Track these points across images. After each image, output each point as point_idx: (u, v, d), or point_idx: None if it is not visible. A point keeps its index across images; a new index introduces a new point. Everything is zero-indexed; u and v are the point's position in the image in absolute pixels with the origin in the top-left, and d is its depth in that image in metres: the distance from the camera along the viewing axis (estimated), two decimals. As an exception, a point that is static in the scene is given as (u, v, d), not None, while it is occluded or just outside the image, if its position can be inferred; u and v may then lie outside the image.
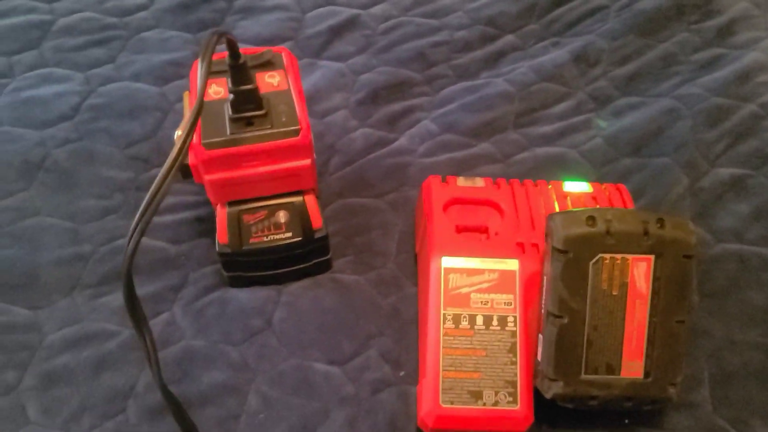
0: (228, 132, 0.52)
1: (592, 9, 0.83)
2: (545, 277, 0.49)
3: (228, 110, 0.53)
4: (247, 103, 0.52)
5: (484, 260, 0.52)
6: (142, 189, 0.66)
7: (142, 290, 0.58)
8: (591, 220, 0.46)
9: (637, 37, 0.79)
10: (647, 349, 0.47)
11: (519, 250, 0.53)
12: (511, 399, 0.49)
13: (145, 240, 0.61)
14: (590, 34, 0.80)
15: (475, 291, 0.52)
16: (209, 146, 0.51)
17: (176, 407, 0.47)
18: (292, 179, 0.56)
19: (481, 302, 0.51)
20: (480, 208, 0.57)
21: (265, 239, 0.57)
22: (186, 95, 0.58)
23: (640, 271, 0.47)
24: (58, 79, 0.74)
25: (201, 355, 0.55)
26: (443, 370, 0.50)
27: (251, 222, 0.57)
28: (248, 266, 0.59)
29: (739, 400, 0.53)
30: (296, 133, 0.52)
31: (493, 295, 0.52)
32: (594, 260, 0.46)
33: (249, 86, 0.51)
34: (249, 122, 0.52)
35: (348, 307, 0.58)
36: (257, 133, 0.52)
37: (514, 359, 0.50)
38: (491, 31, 0.81)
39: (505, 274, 0.52)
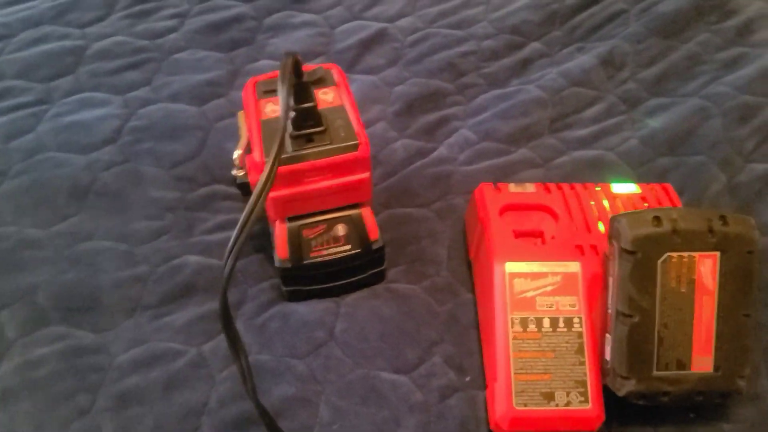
0: (290, 149, 0.53)
1: (612, 14, 0.85)
2: (611, 278, 0.50)
3: (288, 127, 0.54)
4: (308, 120, 0.53)
5: (546, 264, 0.54)
6: (191, 208, 0.66)
7: (203, 308, 0.59)
8: (657, 220, 0.48)
9: (660, 39, 0.81)
10: (716, 343, 0.49)
11: (578, 252, 0.55)
12: (582, 399, 0.51)
13: (200, 259, 0.62)
14: (614, 38, 0.82)
15: (540, 294, 0.53)
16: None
17: (270, 421, 0.48)
18: (351, 192, 0.57)
19: (547, 305, 0.53)
20: (533, 213, 0.59)
21: (324, 253, 0.58)
22: (240, 115, 0.59)
23: (707, 267, 0.48)
24: (97, 103, 0.74)
25: (268, 369, 0.56)
26: (515, 373, 0.51)
27: (311, 236, 0.58)
28: (307, 280, 0.60)
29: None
30: (356, 147, 0.54)
31: (557, 298, 0.53)
32: (662, 259, 0.48)
33: (310, 104, 0.52)
34: (309, 139, 0.54)
35: (406, 315, 0.59)
36: (318, 149, 0.53)
37: (582, 359, 0.52)
38: (517, 39, 0.83)
39: (568, 277, 0.53)
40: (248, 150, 0.56)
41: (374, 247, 0.59)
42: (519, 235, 0.57)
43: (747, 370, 0.49)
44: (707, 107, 0.73)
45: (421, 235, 0.65)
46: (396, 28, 0.84)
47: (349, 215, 0.58)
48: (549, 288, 0.53)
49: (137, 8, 0.85)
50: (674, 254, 0.48)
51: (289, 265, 0.58)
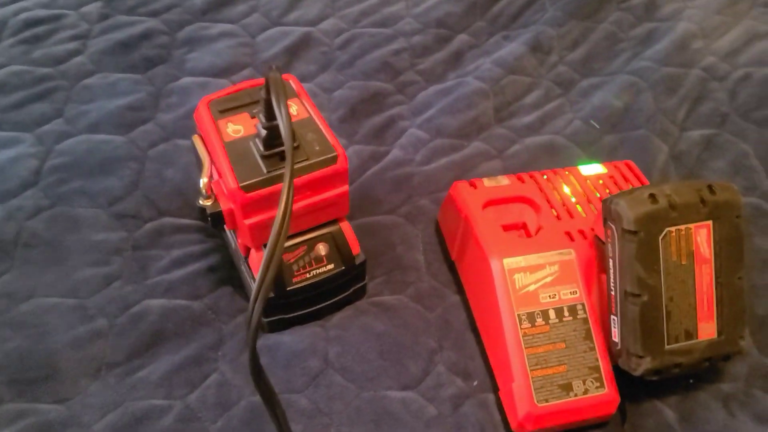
0: (264, 170, 0.49)
1: (528, 0, 0.86)
2: (611, 260, 0.50)
3: (258, 147, 0.50)
4: (279, 137, 0.49)
5: (543, 255, 0.53)
6: (140, 247, 0.60)
7: (178, 356, 0.54)
8: (652, 197, 0.48)
9: (578, 22, 0.83)
10: (717, 309, 0.50)
11: (568, 239, 0.55)
12: (598, 384, 0.50)
13: (163, 302, 0.57)
14: (536, 24, 0.83)
15: (541, 286, 0.52)
16: (248, 188, 0.48)
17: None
18: (331, 208, 0.53)
19: (549, 296, 0.52)
20: (512, 205, 0.58)
21: (308, 276, 0.54)
22: (196, 139, 0.53)
23: (702, 237, 0.49)
24: (5, 143, 0.65)
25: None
26: (531, 370, 0.50)
27: (292, 260, 0.54)
28: (290, 307, 0.56)
29: (779, 339, 0.57)
30: (334, 160, 0.50)
31: (558, 287, 0.52)
32: (662, 235, 0.48)
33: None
34: (283, 157, 0.50)
35: (400, 328, 0.57)
36: (295, 166, 0.49)
37: (591, 345, 0.51)
38: (443, 32, 0.82)
39: (565, 265, 0.53)
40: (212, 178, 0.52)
41: (357, 261, 0.56)
42: (505, 229, 0.56)
43: (746, 330, 0.51)
44: (636, 83, 0.76)
45: (395, 242, 0.63)
46: (320, 32, 0.80)
47: (329, 232, 0.55)
48: (549, 279, 0.53)
49: (28, 33, 0.76)
50: (672, 228, 0.48)
51: (272, 294, 0.54)
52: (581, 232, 0.55)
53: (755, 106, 0.75)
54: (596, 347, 0.51)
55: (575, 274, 0.53)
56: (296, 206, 0.51)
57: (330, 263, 0.55)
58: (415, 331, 0.57)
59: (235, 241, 0.57)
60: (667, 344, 0.49)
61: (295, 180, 0.49)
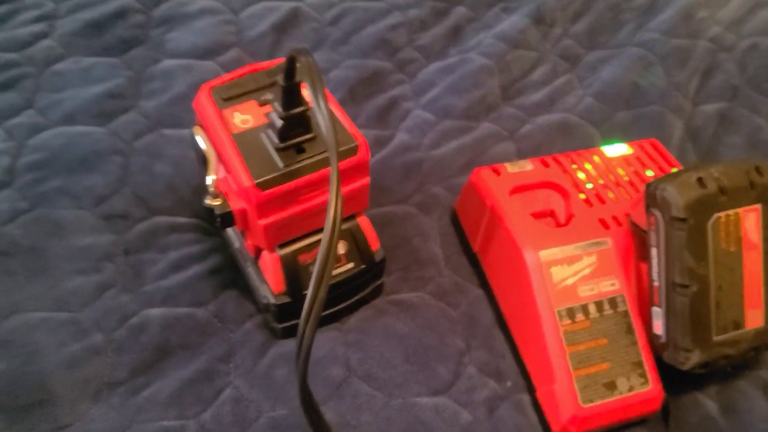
0: (280, 164, 0.44)
1: (524, -31, 0.82)
2: (655, 249, 0.47)
3: (271, 139, 0.45)
4: (296, 128, 0.44)
5: (579, 245, 0.50)
6: (133, 251, 0.54)
7: (188, 370, 0.49)
8: (700, 181, 0.45)
9: (578, -9, 0.79)
10: (765, 295, 0.47)
11: (602, 226, 0.51)
12: (643, 380, 0.48)
13: (164, 311, 0.52)
14: (535, -5, 0.79)
15: (579, 279, 0.49)
16: (264, 185, 0.43)
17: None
18: (350, 203, 0.49)
19: (589, 289, 0.49)
20: (538, 191, 0.54)
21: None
22: (198, 131, 0.48)
23: (751, 222, 0.46)
24: (-30, 140, 0.59)
25: (291, 426, 0.47)
26: (574, 370, 0.47)
27: (309, 261, 0.49)
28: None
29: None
30: (354, 150, 0.46)
31: (597, 279, 0.49)
32: (711, 221, 0.45)
33: (301, 108, 0.43)
34: (299, 149, 0.45)
35: (424, 328, 0.53)
36: (313, 159, 0.44)
37: (633, 339, 0.48)
38: (440, 4, 0.77)
39: (603, 255, 0.50)
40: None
41: (378, 258, 0.52)
42: (528, 214, 0.53)
43: (793, 317, 0.49)
44: (645, 55, 0.73)
45: (409, 234, 0.59)
46: (309, 6, 0.74)
47: (347, 228, 0.50)
48: (587, 271, 0.49)
49: (-15, 14, 0.68)
50: (722, 214, 0.45)
51: (287, 299, 0.49)
52: (615, 218, 0.52)
53: (765, 78, 0.72)
54: (638, 341, 0.48)
55: (614, 265, 0.50)
56: (315, 202, 0.46)
57: (349, 262, 0.51)
58: (441, 331, 0.53)
59: (240, 240, 0.52)
60: (715, 336, 0.46)
61: (313, 175, 0.45)
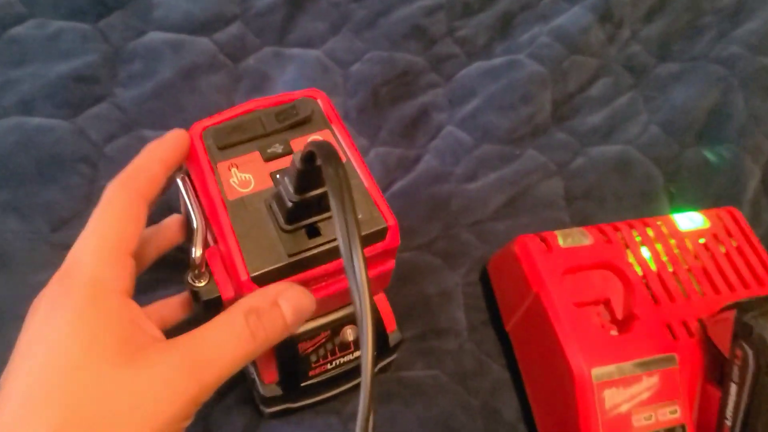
0: (284, 252, 0.34)
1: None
2: (736, 387, 0.38)
3: (276, 214, 0.34)
4: (311, 208, 0.34)
5: (640, 363, 0.41)
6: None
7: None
8: (813, 322, 0.36)
9: (653, -18, 0.66)
10: None
11: (669, 335, 0.42)
12: None
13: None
14: (603, -19, 0.65)
15: (635, 405, 0.40)
16: (263, 279, 0.33)
17: None
18: (372, 286, 0.39)
19: (644, 418, 0.40)
20: (593, 272, 0.45)
21: (329, 367, 0.41)
22: (185, 185, 0.37)
23: None
24: None
25: None
26: None
27: (310, 350, 0.40)
28: (302, 397, 0.42)
29: None
30: (383, 234, 0.35)
31: (655, 406, 0.40)
32: (817, 370, 0.36)
33: (319, 191, 0.33)
34: (312, 231, 0.34)
35: (437, 422, 0.45)
36: (329, 245, 0.34)
37: (688, 478, 0.41)
38: (489, -16, 0.64)
39: (666, 376, 0.41)
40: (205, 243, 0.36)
41: (392, 343, 0.43)
42: (578, 306, 0.43)
43: None
44: (725, 76, 0.61)
45: (428, 291, 0.49)
46: (331, -27, 0.61)
47: (359, 311, 0.41)
48: (645, 395, 0.40)
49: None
50: (830, 360, 0.36)
51: (280, 392, 0.40)
52: (685, 324, 0.43)
53: None
54: (694, 480, 0.41)
55: (678, 388, 0.41)
56: (324, 292, 0.36)
57: (358, 349, 0.41)
58: (457, 426, 0.45)
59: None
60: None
61: (328, 266, 0.35)
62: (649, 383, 0.41)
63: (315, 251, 0.34)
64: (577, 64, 0.60)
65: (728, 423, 0.39)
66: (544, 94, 0.58)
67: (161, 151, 0.35)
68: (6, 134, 0.48)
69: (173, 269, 0.40)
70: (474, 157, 0.54)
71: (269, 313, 0.32)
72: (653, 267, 0.45)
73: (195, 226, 0.36)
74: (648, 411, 0.40)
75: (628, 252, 0.45)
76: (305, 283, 0.35)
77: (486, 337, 0.48)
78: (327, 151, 0.29)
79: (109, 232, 0.32)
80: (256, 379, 0.40)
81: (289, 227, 0.34)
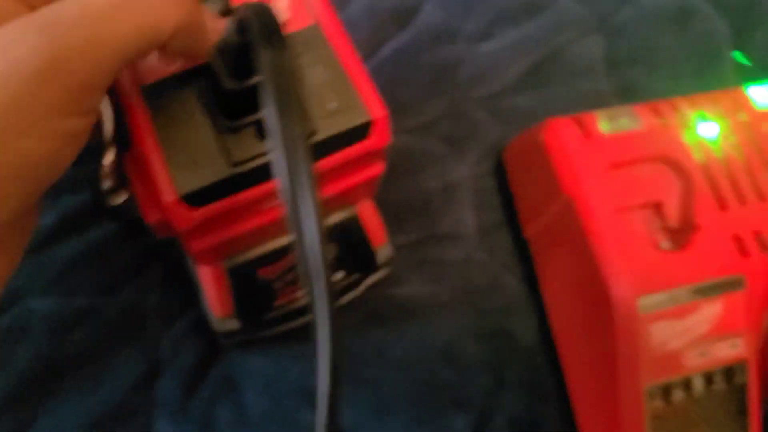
0: (226, 160, 0.23)
1: None
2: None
3: (209, 103, 0.24)
4: (258, 98, 0.23)
5: (698, 287, 0.31)
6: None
7: (86, 406, 0.33)
8: None
9: None
10: None
11: (737, 251, 0.33)
12: (744, 480, 0.33)
13: (54, 302, 0.34)
14: None
15: (689, 341, 0.32)
16: (195, 200, 0.23)
17: None
18: (352, 195, 0.29)
19: (698, 355, 0.32)
20: (642, 165, 0.34)
21: (298, 294, 0.32)
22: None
23: None
24: None
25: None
26: (652, 471, 0.32)
27: (273, 276, 0.31)
28: (268, 327, 0.34)
29: None
30: (366, 130, 0.25)
31: (713, 341, 0.32)
32: None
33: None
34: (263, 130, 0.24)
35: (437, 349, 0.36)
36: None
37: (743, 423, 0.33)
38: None
39: (731, 302, 0.32)
40: (123, 148, 0.25)
41: (381, 260, 0.33)
42: (623, 210, 0.34)
43: None
44: None
45: (430, 185, 0.39)
46: None
47: (339, 224, 0.31)
48: (704, 328, 0.32)
49: None
50: None
51: (237, 326, 0.31)
52: (758, 235, 0.33)
53: None
54: (749, 424, 0.33)
55: (742, 317, 0.32)
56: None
57: (338, 271, 0.32)
58: (463, 356, 0.36)
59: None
60: None
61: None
62: (708, 313, 0.32)
63: (267, 158, 0.23)
64: None
65: (807, 364, 0.31)
66: None
67: None
68: None
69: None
70: (490, 6, 0.42)
71: None
72: (721, 160, 0.35)
73: (104, 118, 0.25)
74: (703, 346, 0.32)
75: (688, 139, 0.35)
76: (257, 204, 0.25)
77: (500, 244, 0.39)
78: (263, 20, 0.18)
79: None
80: (206, 310, 0.31)
81: (230, 124, 0.23)
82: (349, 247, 0.31)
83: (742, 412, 0.33)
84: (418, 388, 0.35)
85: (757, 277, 0.32)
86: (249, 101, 0.22)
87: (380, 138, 0.25)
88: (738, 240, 0.33)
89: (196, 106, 0.23)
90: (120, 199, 0.25)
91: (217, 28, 0.21)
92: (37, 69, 0.17)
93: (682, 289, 0.31)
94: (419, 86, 0.40)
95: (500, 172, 0.40)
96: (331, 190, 0.27)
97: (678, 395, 0.32)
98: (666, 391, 0.32)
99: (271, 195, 0.25)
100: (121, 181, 0.25)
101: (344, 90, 0.24)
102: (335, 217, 0.31)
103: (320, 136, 0.24)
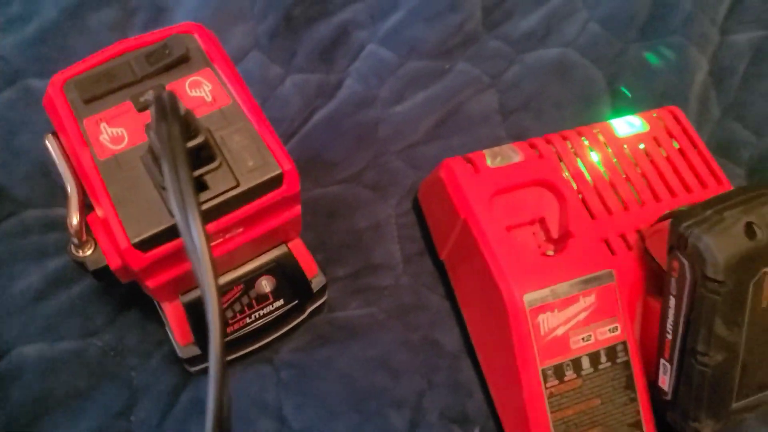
0: (168, 212, 0.30)
1: None
2: (674, 299, 0.36)
3: (154, 172, 0.31)
4: (194, 159, 0.30)
5: (575, 282, 0.38)
6: (-3, 265, 0.41)
7: (75, 435, 0.39)
8: (749, 229, 0.33)
9: None
10: (803, 352, 0.38)
11: (606, 250, 0.40)
12: (639, 443, 0.39)
13: (42, 348, 0.40)
14: None
15: (572, 327, 0.38)
16: (147, 245, 0.30)
17: None
18: (277, 235, 0.36)
19: (582, 339, 0.38)
20: (525, 190, 0.42)
21: (248, 321, 0.39)
22: (51, 143, 0.33)
23: (803, 271, 0.36)
24: None
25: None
26: (557, 440, 0.38)
27: (224, 305, 0.37)
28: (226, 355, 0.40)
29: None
30: (279, 180, 0.32)
31: (594, 326, 0.39)
32: (755, 279, 0.34)
33: (198, 140, 0.29)
34: (198, 186, 0.31)
35: (375, 361, 0.43)
36: (219, 199, 0.31)
37: (633, 395, 0.39)
38: None
39: (604, 293, 0.39)
40: (88, 210, 0.33)
41: (316, 288, 0.40)
42: (511, 228, 0.41)
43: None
44: (668, -40, 0.57)
45: (360, 226, 0.46)
46: None
47: (274, 259, 0.38)
48: (583, 316, 0.39)
49: None
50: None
51: (197, 352, 0.38)
52: (623, 237, 0.40)
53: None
54: (638, 396, 0.39)
55: (616, 304, 0.39)
56: (227, 247, 0.33)
57: (278, 299, 0.39)
58: (396, 365, 0.43)
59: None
60: (736, 401, 0.37)
61: (219, 220, 0.31)
62: (586, 303, 0.39)
63: (204, 207, 0.31)
64: (507, -39, 0.55)
65: (669, 336, 0.37)
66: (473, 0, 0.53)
67: None
68: None
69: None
70: (399, 76, 0.50)
71: None
72: (589, 179, 0.42)
73: (69, 191, 0.32)
74: (586, 331, 0.38)
75: (563, 166, 0.42)
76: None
77: (422, 269, 0.46)
78: (160, 104, 0.25)
79: None
80: (173, 340, 0.38)
81: (168, 182, 0.30)
82: (285, 278, 0.38)
83: (630, 385, 0.39)
84: (360, 394, 0.42)
85: (625, 270, 0.39)
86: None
87: (290, 186, 0.32)
88: (607, 242, 0.40)
89: (142, 171, 0.31)
90: (88, 251, 0.33)
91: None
92: None
93: (562, 285, 0.38)
94: (346, 145, 0.48)
95: (417, 209, 0.47)
96: (261, 230, 0.34)
97: (570, 374, 0.38)
98: (559, 371, 0.38)
99: (213, 234, 0.32)
100: (87, 237, 0.32)
101: (259, 151, 0.32)
102: (271, 254, 0.38)
103: (242, 187, 0.31)
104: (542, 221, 0.42)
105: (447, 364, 0.43)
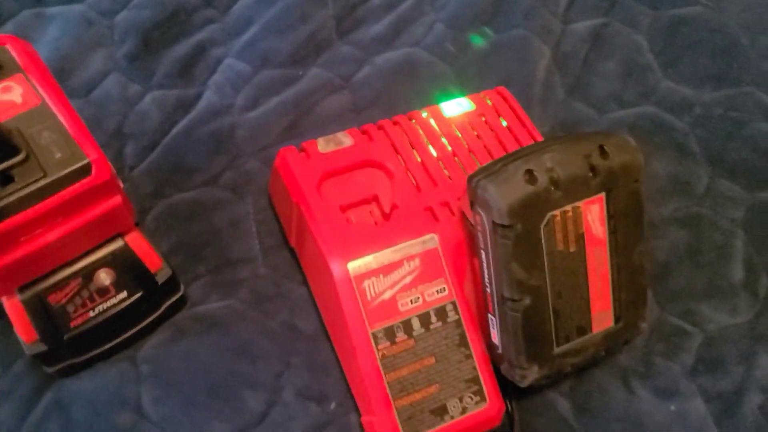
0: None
1: None
2: (484, 253, 0.39)
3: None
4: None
5: (398, 248, 0.41)
6: None
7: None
8: (530, 175, 0.36)
9: None
10: (613, 294, 0.40)
11: (430, 218, 0.42)
12: (478, 398, 0.41)
13: None
14: None
15: (399, 291, 0.41)
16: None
17: None
18: (105, 226, 0.38)
19: (411, 301, 0.41)
20: (360, 172, 0.45)
21: (92, 314, 0.41)
22: None
23: (594, 215, 0.38)
24: None
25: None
26: (394, 399, 0.40)
27: (64, 300, 0.39)
28: (80, 350, 0.42)
29: (681, 289, 0.49)
30: (87, 170, 0.35)
31: (421, 288, 0.41)
32: (544, 223, 0.37)
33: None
34: (6, 178, 0.34)
35: (233, 349, 0.45)
36: (26, 190, 0.33)
37: (467, 352, 0.41)
38: None
39: (428, 256, 0.41)
40: None
41: (161, 279, 0.42)
42: (347, 208, 0.43)
43: (647, 311, 0.42)
44: (508, -39, 0.61)
45: (219, 225, 0.49)
46: None
47: (110, 253, 0.40)
48: (408, 279, 0.41)
49: None
50: (557, 212, 0.37)
51: (44, 348, 0.40)
52: (446, 204, 0.43)
53: (648, -19, 0.62)
54: (473, 353, 0.41)
55: (441, 266, 0.41)
56: (45, 240, 0.36)
57: (121, 291, 0.41)
58: (254, 350, 0.45)
59: None
60: (557, 346, 0.40)
61: (28, 211, 0.34)
62: (410, 266, 0.41)
63: (13, 197, 0.33)
64: (356, -26, 0.59)
65: (488, 290, 0.40)
66: (324, 11, 0.57)
67: None
68: None
69: None
70: (254, 85, 0.54)
71: None
72: (418, 158, 0.45)
73: None
74: (414, 293, 0.41)
75: (394, 147, 0.45)
76: (11, 233, 0.34)
77: (281, 259, 0.48)
78: None
79: None
80: (19, 338, 0.40)
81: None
82: (124, 270, 0.40)
83: (463, 343, 0.41)
84: (219, 381, 0.43)
85: (449, 234, 0.42)
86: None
87: (99, 174, 0.35)
88: (431, 210, 0.43)
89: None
90: None
91: None
92: None
93: (385, 251, 0.41)
94: (204, 151, 0.51)
95: (272, 205, 0.50)
96: (80, 221, 0.36)
97: (401, 336, 0.40)
98: (390, 333, 0.40)
99: (21, 228, 0.34)
100: None
101: (67, 144, 0.34)
102: (107, 248, 0.40)
103: (49, 178, 0.34)
104: (376, 199, 0.44)
105: (305, 346, 0.45)
